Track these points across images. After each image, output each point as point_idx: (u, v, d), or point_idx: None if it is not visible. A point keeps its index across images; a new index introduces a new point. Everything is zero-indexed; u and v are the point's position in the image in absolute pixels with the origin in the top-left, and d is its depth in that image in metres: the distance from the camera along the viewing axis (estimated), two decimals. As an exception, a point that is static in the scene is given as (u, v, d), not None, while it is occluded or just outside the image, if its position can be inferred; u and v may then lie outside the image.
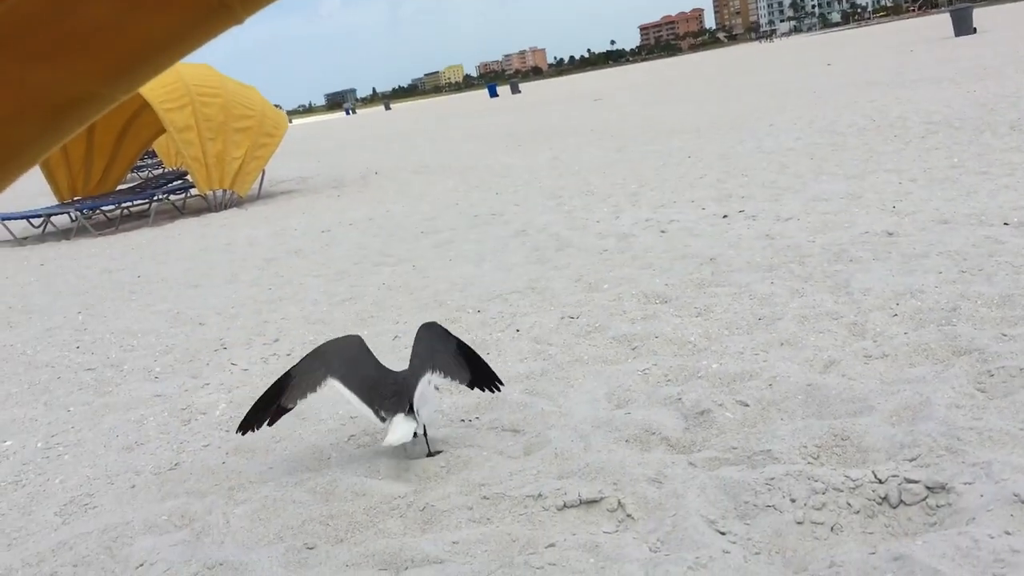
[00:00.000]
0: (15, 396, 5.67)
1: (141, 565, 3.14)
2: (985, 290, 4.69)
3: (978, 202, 6.92)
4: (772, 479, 2.92)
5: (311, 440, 4.19)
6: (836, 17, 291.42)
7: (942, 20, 58.56)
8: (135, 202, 16.12)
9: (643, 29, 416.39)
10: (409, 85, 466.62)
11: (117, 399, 5.33)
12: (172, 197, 16.71)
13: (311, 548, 3.08)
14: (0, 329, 7.78)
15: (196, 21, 0.94)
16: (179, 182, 16.99)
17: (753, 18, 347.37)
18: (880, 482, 2.79)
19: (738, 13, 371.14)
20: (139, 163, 29.17)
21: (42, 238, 15.17)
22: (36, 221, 16.27)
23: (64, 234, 15.06)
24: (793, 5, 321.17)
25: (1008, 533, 2.40)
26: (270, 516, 3.40)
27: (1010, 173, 7.89)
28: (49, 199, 18.32)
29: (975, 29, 38.50)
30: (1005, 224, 6.08)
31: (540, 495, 3.12)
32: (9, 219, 15.43)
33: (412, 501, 3.32)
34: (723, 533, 2.74)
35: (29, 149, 0.97)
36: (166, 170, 24.93)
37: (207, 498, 3.67)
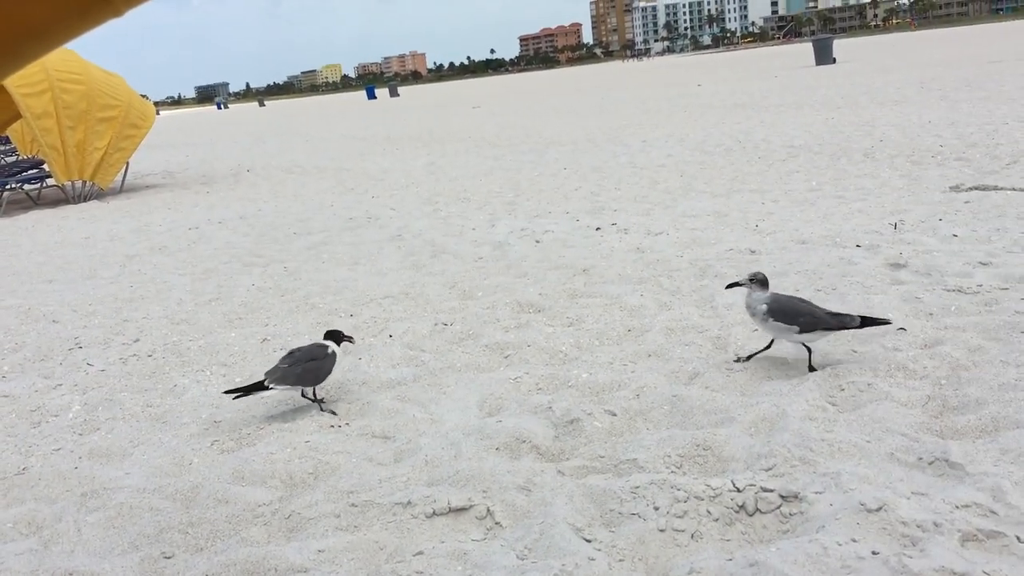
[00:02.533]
0: None
1: (-18, 576, 2.96)
2: (838, 308, 4.94)
3: (833, 224, 7.30)
4: (637, 487, 3.00)
5: (171, 444, 4.04)
6: (707, 40, 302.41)
7: (805, 49, 61.53)
8: (-15, 190, 15.19)
9: (523, 40, 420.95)
10: (285, 82, 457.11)
11: (-41, 399, 5.01)
12: (26, 187, 15.83)
13: (168, 557, 2.97)
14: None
15: (76, 11, 0.90)
16: (35, 171, 16.11)
17: (629, 36, 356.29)
18: (738, 491, 2.90)
19: (615, 31, 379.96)
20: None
21: None
22: None
23: (-97, 221, 14.06)
24: (667, 26, 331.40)
25: (855, 540, 2.54)
26: (125, 524, 3.26)
27: (863, 198, 8.35)
28: None
29: (835, 59, 40.62)
30: (857, 246, 6.43)
31: (409, 503, 3.11)
32: None
33: (277, 508, 3.25)
34: (589, 540, 2.79)
35: None
36: (20, 158, 23.61)
37: (57, 504, 3.50)
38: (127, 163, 15.51)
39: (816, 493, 2.83)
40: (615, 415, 3.80)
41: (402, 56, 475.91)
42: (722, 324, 4.96)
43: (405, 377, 4.68)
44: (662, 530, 2.80)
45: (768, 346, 4.38)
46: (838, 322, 4.04)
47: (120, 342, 5.90)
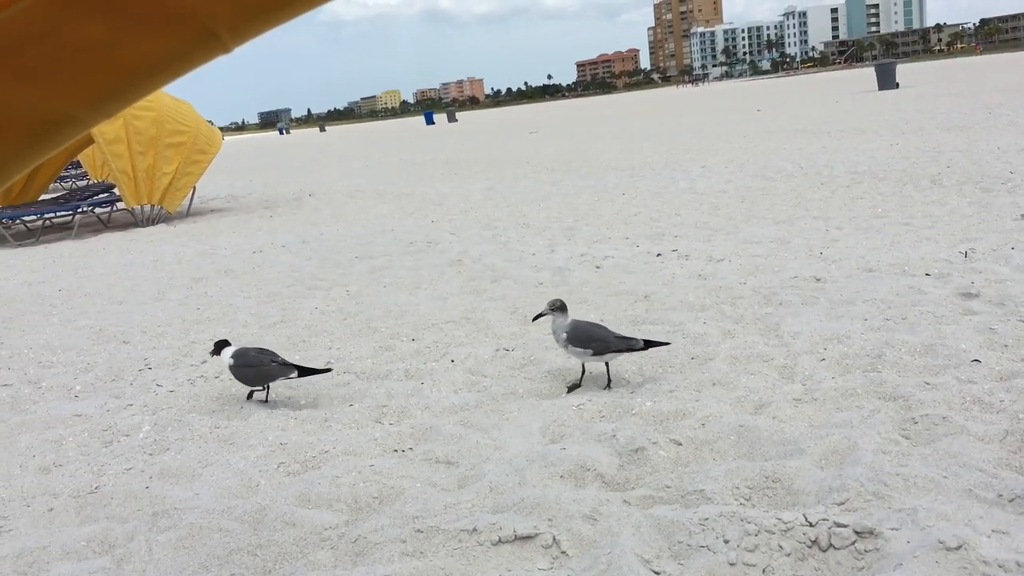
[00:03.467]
0: (-76, 411, 5.43)
1: (58, 593, 3.03)
2: (909, 338, 4.84)
3: (901, 252, 7.16)
4: (706, 519, 2.96)
5: (239, 466, 4.10)
6: (766, 65, 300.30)
7: (867, 74, 60.76)
8: (58, 213, 15.66)
9: (580, 65, 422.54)
10: (345, 108, 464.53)
11: (34, 417, 5.15)
12: (97, 210, 16.29)
13: (238, 579, 3.00)
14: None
15: (185, 49, 0.93)
16: (105, 195, 16.57)
17: (687, 61, 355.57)
18: (811, 525, 2.85)
19: (672, 56, 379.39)
20: (63, 173, 28.39)
21: (-43, 246, 14.64)
22: (-49, 228, 15.69)
23: (-19, 243, 14.56)
24: (725, 51, 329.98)
25: (933, 578, 2.47)
26: (195, 544, 3.31)
27: (931, 225, 8.19)
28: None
29: (898, 84, 40.02)
30: (927, 275, 6.30)
31: (475, 529, 3.10)
32: (-77, 224, 14.85)
33: (344, 532, 3.27)
34: (657, 573, 2.76)
35: (7, 167, 0.95)
36: (91, 182, 24.32)
37: (129, 524, 3.56)
38: (194, 187, 15.87)
39: (892, 529, 2.76)
40: (680, 444, 3.76)
41: (460, 82, 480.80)
42: (788, 353, 4.89)
43: (467, 402, 4.69)
44: (732, 564, 2.76)
45: (583, 373, 4.88)
46: (625, 345, 4.61)
47: (188, 363, 6.02)
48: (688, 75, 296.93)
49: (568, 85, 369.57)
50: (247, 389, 5.20)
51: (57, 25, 0.87)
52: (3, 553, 3.38)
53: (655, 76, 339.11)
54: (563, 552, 2.96)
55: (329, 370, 5.13)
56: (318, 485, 3.72)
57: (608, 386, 4.70)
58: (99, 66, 0.89)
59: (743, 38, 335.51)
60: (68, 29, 0.87)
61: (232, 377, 5.07)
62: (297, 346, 6.21)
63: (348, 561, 3.08)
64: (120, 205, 15.83)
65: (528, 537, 3.03)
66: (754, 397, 4.28)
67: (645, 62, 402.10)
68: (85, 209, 15.51)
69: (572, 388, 4.76)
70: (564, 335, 4.61)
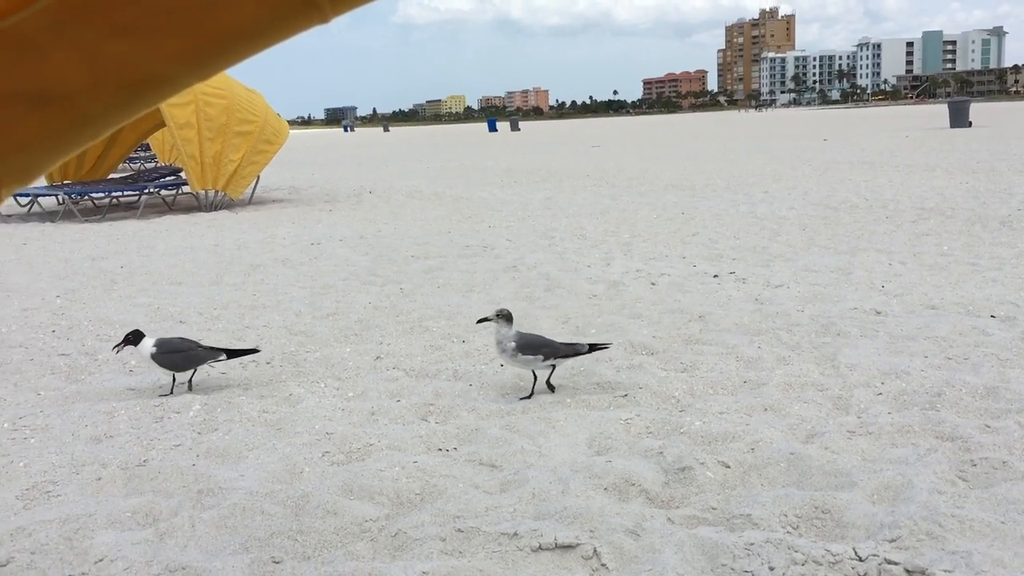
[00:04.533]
0: (-15, 373, 5.57)
1: (100, 560, 3.07)
2: (970, 379, 4.71)
3: (966, 292, 6.99)
4: (751, 544, 2.90)
5: (285, 452, 4.12)
6: (835, 95, 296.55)
7: (939, 110, 59.65)
8: (125, 192, 16.03)
9: (647, 83, 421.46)
10: (410, 109, 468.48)
11: (89, 388, 5.25)
12: (163, 192, 16.62)
13: (277, 562, 3.01)
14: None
15: (284, 14, 0.92)
16: (172, 178, 16.90)
17: (755, 86, 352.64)
18: (860, 560, 2.77)
19: (740, 80, 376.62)
20: (132, 155, 29.03)
21: (26, 217, 15.04)
22: (23, 200, 16.14)
23: (50, 216, 14.94)
24: (795, 78, 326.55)
25: (986, 625, 2.39)
26: (237, 524, 3.33)
27: (998, 267, 7.98)
28: (39, 181, 18.15)
29: (971, 123, 39.22)
30: (992, 316, 6.14)
31: (515, 534, 3.08)
32: (-4, 194, 15.25)
33: (384, 526, 3.27)
34: (698, 593, 2.71)
35: (98, 122, 0.95)
36: (159, 164, 24.84)
37: (174, 499, 3.60)
38: (258, 177, 16.11)
39: (945, 571, 2.68)
40: (729, 467, 3.70)
41: (525, 91, 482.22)
42: (844, 384, 4.78)
43: (514, 407, 4.67)
44: (776, 592, 2.69)
45: (535, 380, 4.94)
46: (572, 351, 4.87)
47: (241, 347, 6.08)
48: (755, 100, 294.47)
49: (633, 102, 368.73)
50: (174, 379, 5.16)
51: None
52: (50, 517, 3.44)
53: (721, 99, 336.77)
54: (603, 564, 2.92)
55: (257, 351, 5.22)
56: (361, 477, 3.73)
57: (548, 385, 4.93)
58: (195, 26, 0.89)
59: (814, 66, 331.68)
60: None
61: (154, 366, 4.96)
62: (349, 339, 6.25)
63: (387, 554, 3.08)
64: (185, 189, 16.13)
65: (569, 546, 3.00)
66: (806, 426, 4.20)
67: (712, 84, 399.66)
68: (152, 190, 15.84)
69: (525, 398, 4.83)
70: (512, 344, 4.72)
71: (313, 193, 18.79)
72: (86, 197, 15.93)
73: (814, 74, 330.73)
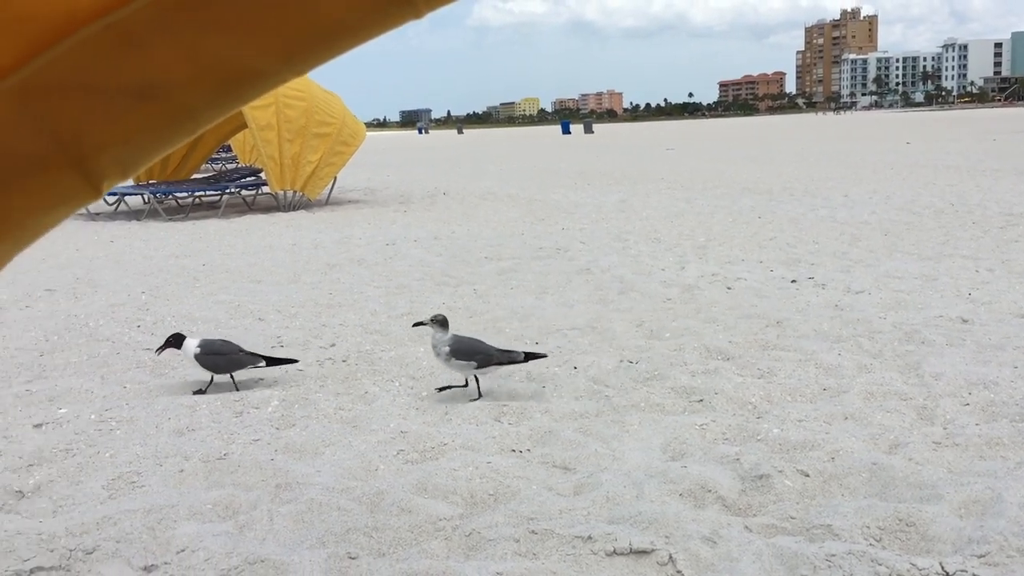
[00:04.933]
0: (74, 366, 5.76)
1: (183, 550, 3.14)
2: (1062, 391, 4.53)
3: (1059, 300, 6.72)
4: (833, 555, 2.83)
5: (360, 449, 4.17)
6: (919, 97, 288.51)
7: (1029, 112, 57.59)
8: (208, 192, 16.44)
9: (723, 85, 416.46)
10: (484, 112, 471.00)
11: (172, 382, 5.39)
12: (243, 192, 17.00)
13: (353, 558, 3.05)
14: (66, 300, 7.94)
15: (378, 10, 0.92)
16: (252, 178, 17.28)
17: (835, 88, 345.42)
18: (947, 575, 2.68)
19: (820, 82, 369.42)
20: (214, 156, 29.76)
21: (113, 216, 15.54)
22: (110, 199, 16.67)
23: (135, 215, 15.40)
24: (877, 80, 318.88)
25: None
26: (314, 519, 3.38)
27: (1094, 275, 7.66)
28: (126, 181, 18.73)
29: (1063, 126, 37.76)
30: (1087, 326, 5.89)
31: (589, 537, 3.06)
32: (85, 193, 15.80)
33: (458, 525, 3.28)
34: (777, 604, 2.65)
35: (197, 116, 0.97)
36: (239, 165, 25.42)
37: (253, 492, 3.67)
38: (335, 177, 16.37)
39: (1038, 590, 2.57)
40: (808, 476, 3.62)
41: (599, 94, 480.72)
42: (928, 394, 4.64)
43: (588, 410, 4.65)
44: (858, 605, 2.62)
45: (465, 384, 4.99)
46: (507, 358, 4.86)
47: (318, 345, 6.18)
48: (835, 102, 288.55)
49: (708, 104, 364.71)
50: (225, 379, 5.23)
51: None
52: (134, 507, 3.53)
53: (799, 101, 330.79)
54: (679, 571, 2.88)
55: (295, 361, 5.39)
56: (435, 476, 3.75)
57: (479, 395, 4.91)
58: (291, 22, 0.90)
59: (897, 68, 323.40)
60: None
61: (196, 366, 5.08)
62: (423, 339, 6.28)
63: (461, 554, 3.08)
64: (264, 189, 16.47)
65: (644, 552, 2.97)
66: (889, 436, 4.08)
67: (791, 86, 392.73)
68: (232, 190, 16.21)
69: (443, 389, 4.98)
70: (447, 349, 4.74)
71: (388, 194, 19.01)
72: (170, 196, 16.39)
73: (897, 76, 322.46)
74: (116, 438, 4.40)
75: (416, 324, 5.08)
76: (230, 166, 26.82)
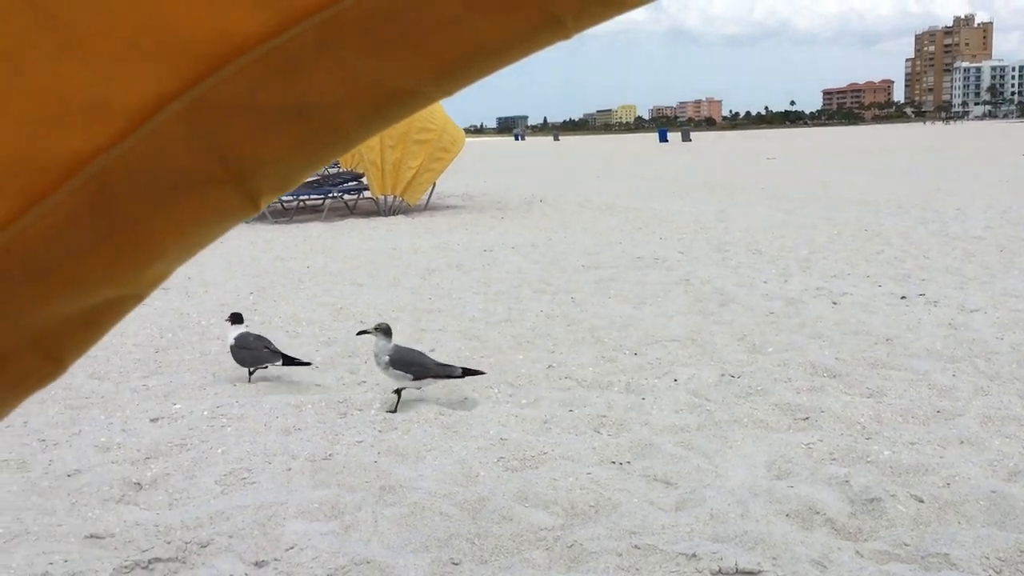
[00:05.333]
0: (187, 363, 5.98)
1: (291, 548, 3.22)
2: None
3: None
4: (950, 586, 2.72)
5: (461, 455, 4.21)
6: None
7: None
8: (312, 196, 16.85)
9: (827, 93, 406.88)
10: (580, 119, 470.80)
11: (279, 382, 5.54)
12: (346, 196, 17.37)
13: (456, 564, 3.08)
14: (179, 298, 8.25)
15: (530, 32, 0.94)
16: (354, 183, 17.65)
17: (946, 97, 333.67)
18: (1076, 613, 2.55)
19: (930, 90, 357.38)
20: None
21: (223, 217, 16.05)
22: (219, 201, 17.20)
23: (243, 217, 15.87)
24: (991, 89, 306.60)
25: None
26: (417, 523, 3.43)
27: None
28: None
29: None
30: None
31: (694, 555, 3.02)
32: (196, 195, 16.43)
33: (560, 536, 3.28)
34: (890, 634, 2.57)
35: (350, 135, 1.00)
36: (341, 170, 25.99)
37: (357, 493, 3.74)
38: (433, 183, 16.59)
39: None
40: (922, 502, 3.49)
41: (697, 101, 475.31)
42: (1051, 420, 4.43)
43: (689, 424, 4.59)
44: (978, 640, 2.52)
45: (398, 393, 4.97)
46: (444, 372, 4.92)
47: (417, 350, 6.25)
48: (946, 111, 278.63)
49: (811, 113, 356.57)
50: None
51: (413, 3, 0.90)
52: (245, 503, 3.64)
53: (908, 110, 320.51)
54: (786, 594, 2.81)
55: (310, 363, 5.59)
56: (536, 485, 3.76)
57: (395, 409, 4.87)
58: (446, 44, 0.92)
59: (1013, 76, 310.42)
60: (423, 7, 0.90)
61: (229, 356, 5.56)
62: (521, 346, 6.31)
63: (562, 565, 3.08)
64: (366, 194, 16.79)
65: (751, 573, 2.91)
66: (1009, 462, 3.91)
67: (899, 94, 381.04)
68: (335, 194, 16.58)
69: (391, 411, 4.89)
70: (386, 358, 4.83)
71: (485, 200, 19.16)
72: (276, 200, 16.83)
73: (1013, 85, 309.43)
74: (227, 435, 4.54)
75: (360, 332, 5.26)
76: (333, 171, 27.45)
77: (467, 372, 4.97)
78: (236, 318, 5.62)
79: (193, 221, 0.95)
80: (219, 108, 0.94)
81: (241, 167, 0.96)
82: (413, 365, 4.87)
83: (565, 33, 0.94)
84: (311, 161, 1.01)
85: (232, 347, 5.50)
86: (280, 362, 5.44)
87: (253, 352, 5.48)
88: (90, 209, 0.89)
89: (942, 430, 4.35)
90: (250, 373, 5.58)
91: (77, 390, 5.33)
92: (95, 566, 3.09)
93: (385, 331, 4.94)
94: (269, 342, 5.54)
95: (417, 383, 4.91)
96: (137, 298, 0.96)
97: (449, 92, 1.04)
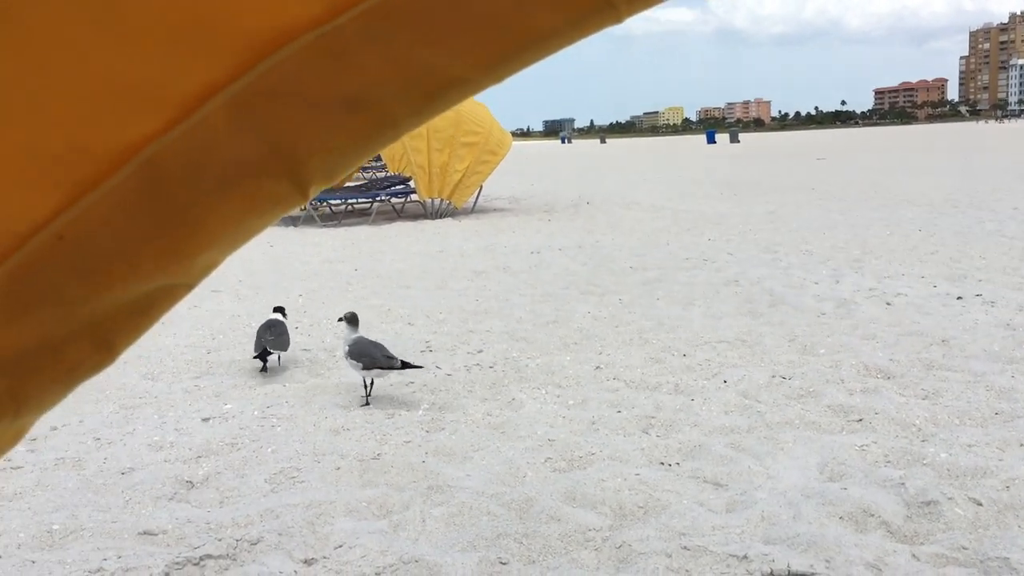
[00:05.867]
0: (238, 363, 6.05)
1: (340, 546, 3.24)
2: None
3: None
4: (1011, 591, 2.65)
5: (508, 455, 4.20)
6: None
7: None
8: (360, 200, 16.99)
9: (878, 93, 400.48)
10: (627, 122, 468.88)
11: (328, 382, 5.58)
12: (393, 200, 17.49)
13: (504, 563, 3.07)
14: (230, 300, 8.36)
15: (583, 17, 0.93)
16: (402, 186, 17.76)
17: (1001, 95, 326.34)
18: None
19: (985, 88, 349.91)
20: (365, 164, 30.75)
21: (272, 221, 16.24)
22: (269, 205, 17.43)
23: (292, 221, 16.07)
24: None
25: None
26: (465, 523, 3.42)
27: None
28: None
29: None
30: None
31: (745, 556, 2.97)
32: (247, 200, 16.68)
33: (608, 536, 3.26)
34: (949, 639, 2.50)
35: (399, 124, 0.99)
36: (387, 174, 26.18)
37: (405, 493, 3.75)
38: (480, 186, 16.63)
39: None
40: (981, 505, 3.41)
41: (746, 103, 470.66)
42: (1116, 423, 4.30)
43: (739, 425, 4.53)
44: (1041, 646, 2.45)
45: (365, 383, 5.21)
46: (388, 364, 5.07)
47: (465, 351, 6.27)
48: (1002, 110, 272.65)
49: (862, 112, 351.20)
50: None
51: None
52: (295, 502, 3.67)
53: (962, 109, 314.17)
54: (840, 598, 2.76)
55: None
56: (583, 485, 3.74)
57: (366, 402, 5.10)
58: (500, 33, 0.91)
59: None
60: None
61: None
62: (569, 347, 6.29)
63: (611, 565, 3.06)
64: (413, 197, 16.89)
65: (803, 575, 2.86)
66: (1072, 466, 3.79)
67: (952, 93, 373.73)
68: (383, 198, 16.70)
69: (363, 404, 5.11)
70: (346, 348, 5.09)
71: (532, 203, 19.16)
72: (325, 203, 17.02)
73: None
74: (277, 434, 4.59)
75: (339, 320, 5.46)
76: (381, 174, 27.66)
77: (406, 365, 5.11)
78: (277, 310, 6.04)
79: (244, 209, 0.96)
80: (269, 96, 0.94)
81: (292, 156, 0.96)
82: (364, 356, 5.07)
83: (617, 17, 0.93)
84: (361, 151, 1.01)
85: (258, 330, 5.91)
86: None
87: (258, 340, 5.81)
88: (142, 197, 0.90)
89: (1001, 432, 4.24)
90: (264, 366, 5.83)
91: (131, 390, 5.43)
92: (148, 562, 3.14)
93: (350, 320, 5.22)
94: (280, 333, 5.84)
95: (367, 373, 5.09)
96: (187, 287, 0.96)
97: (500, 79, 1.03)
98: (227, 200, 0.93)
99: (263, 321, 5.96)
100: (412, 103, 0.93)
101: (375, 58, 0.91)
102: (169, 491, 3.85)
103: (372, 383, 5.21)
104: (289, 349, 5.88)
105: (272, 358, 5.83)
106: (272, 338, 5.75)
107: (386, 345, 6.30)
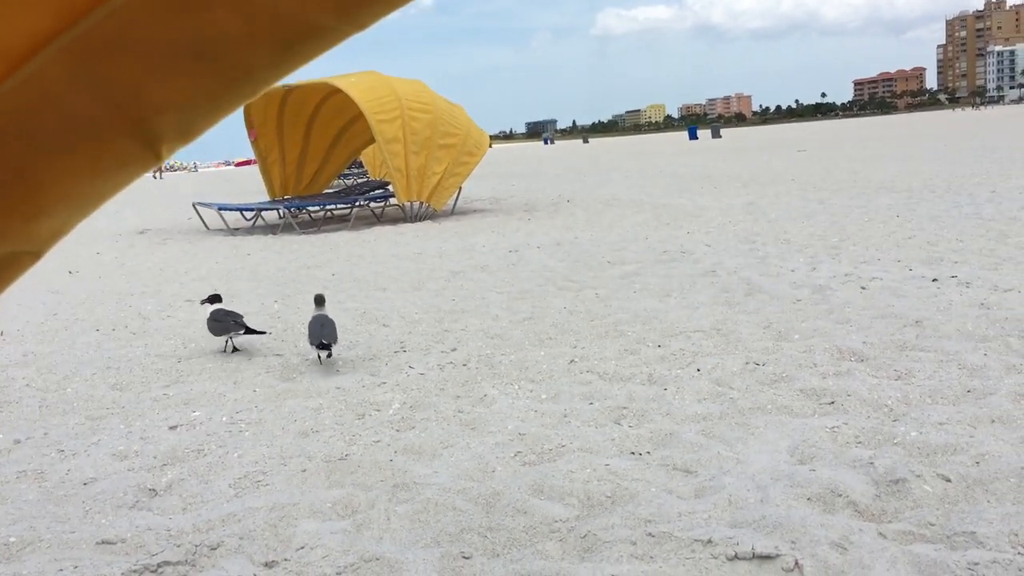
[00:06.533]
0: (209, 371, 5.98)
1: (302, 547, 3.18)
2: None
3: None
4: (976, 564, 2.62)
5: (478, 451, 4.15)
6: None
7: None
8: (338, 206, 16.92)
9: (857, 84, 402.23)
10: (609, 121, 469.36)
11: (299, 386, 5.52)
12: (372, 204, 17.41)
13: (467, 558, 3.02)
14: (205, 310, 8.27)
15: None
16: (380, 191, 17.69)
17: (979, 82, 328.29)
18: (1108, 588, 2.44)
19: (963, 76, 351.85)
20: (346, 172, 30.66)
21: (251, 231, 16.17)
22: (248, 214, 17.38)
23: (271, 229, 15.99)
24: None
25: None
26: (430, 519, 3.37)
27: None
28: (263, 197, 19.54)
29: None
30: None
31: (710, 541, 2.93)
32: (225, 210, 16.55)
33: (574, 527, 3.21)
34: (913, 615, 2.47)
35: (256, 76, 0.94)
36: (369, 179, 26.11)
37: (371, 492, 3.70)
38: (460, 188, 16.58)
39: None
40: (949, 481, 3.38)
41: (727, 98, 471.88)
42: (1087, 395, 4.28)
43: (711, 412, 4.50)
44: (1005, 618, 2.41)
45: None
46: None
47: (439, 350, 6.22)
48: (980, 97, 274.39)
49: (842, 104, 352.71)
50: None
51: None
52: (258, 505, 3.61)
53: (941, 97, 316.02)
54: (805, 578, 2.72)
55: (264, 332, 6.70)
56: (552, 477, 3.69)
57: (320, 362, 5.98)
58: None
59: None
60: None
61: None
62: (543, 343, 6.25)
63: (575, 555, 3.01)
64: (392, 201, 16.83)
65: (768, 557, 2.82)
66: (1042, 439, 3.77)
67: (931, 82, 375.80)
68: (362, 203, 16.63)
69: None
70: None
71: (512, 203, 19.12)
72: (304, 211, 16.94)
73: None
74: (245, 439, 4.53)
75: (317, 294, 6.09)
76: (360, 180, 27.58)
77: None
78: (213, 299, 6.61)
79: (88, 170, 0.90)
80: (108, 47, 0.89)
81: (138, 112, 0.91)
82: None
83: None
84: (216, 106, 0.95)
85: (208, 320, 6.48)
86: (243, 332, 6.28)
87: (222, 323, 6.35)
88: None
89: (972, 409, 4.22)
90: (226, 344, 6.56)
91: (98, 401, 5.36)
92: (105, 571, 3.07)
93: (317, 300, 5.99)
94: (236, 317, 6.36)
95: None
96: (33, 255, 0.91)
97: (361, 25, 0.98)
98: (68, 159, 0.88)
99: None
100: (265, 52, 0.88)
101: (219, 3, 0.87)
102: (131, 500, 3.79)
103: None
104: (263, 356, 5.90)
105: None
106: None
107: (360, 346, 6.26)
